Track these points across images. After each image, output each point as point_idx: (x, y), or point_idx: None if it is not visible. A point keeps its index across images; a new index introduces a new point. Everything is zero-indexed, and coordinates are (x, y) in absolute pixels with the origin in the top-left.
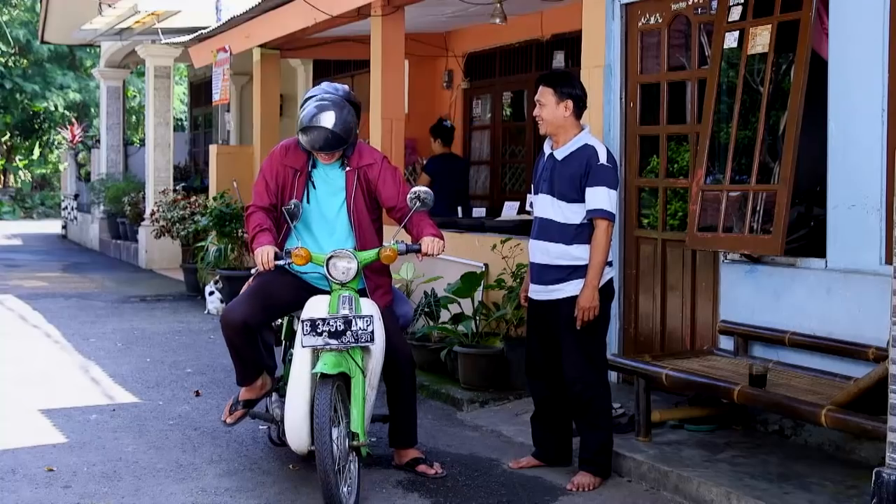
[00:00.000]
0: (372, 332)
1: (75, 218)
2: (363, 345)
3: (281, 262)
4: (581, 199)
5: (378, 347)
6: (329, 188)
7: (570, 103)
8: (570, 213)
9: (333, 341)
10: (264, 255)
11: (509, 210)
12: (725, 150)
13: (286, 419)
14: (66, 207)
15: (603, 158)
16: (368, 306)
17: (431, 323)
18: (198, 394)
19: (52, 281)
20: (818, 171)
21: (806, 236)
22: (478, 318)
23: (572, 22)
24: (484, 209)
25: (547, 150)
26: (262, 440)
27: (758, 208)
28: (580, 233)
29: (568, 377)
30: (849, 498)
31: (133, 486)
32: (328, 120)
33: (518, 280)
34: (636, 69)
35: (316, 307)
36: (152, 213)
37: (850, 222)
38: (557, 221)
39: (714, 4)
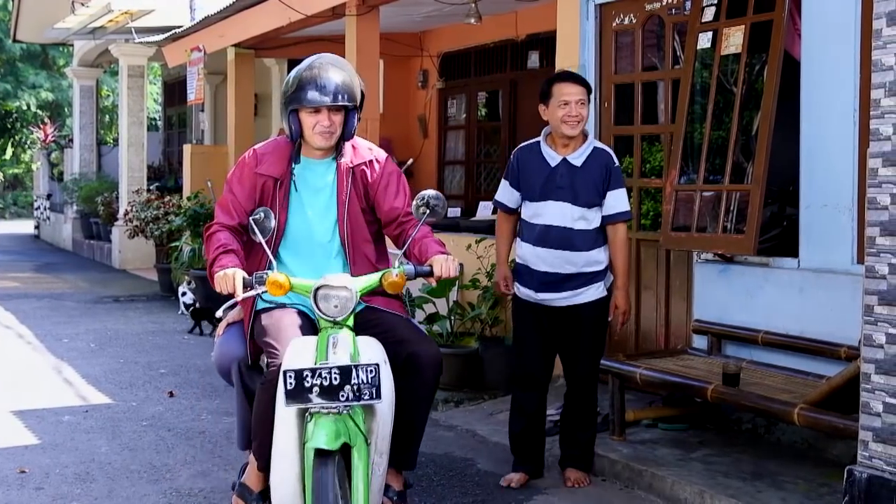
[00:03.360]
0: (377, 385)
1: (48, 218)
2: (366, 403)
3: (251, 293)
4: (599, 202)
5: (386, 404)
6: (316, 192)
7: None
8: (592, 218)
9: (327, 401)
10: (227, 280)
11: (484, 210)
12: (699, 150)
13: (273, 497)
14: (39, 207)
15: (615, 160)
16: (370, 349)
17: None
18: (171, 394)
19: (25, 281)
20: (791, 171)
21: (779, 236)
22: (452, 318)
23: (547, 22)
24: (459, 209)
25: (553, 155)
26: (236, 441)
27: (731, 208)
28: (599, 236)
29: (582, 378)
30: (821, 496)
31: (106, 487)
32: (335, 66)
33: (492, 280)
34: (610, 69)
35: (299, 353)
36: (126, 213)
37: (822, 222)
38: (577, 229)
39: (688, 5)
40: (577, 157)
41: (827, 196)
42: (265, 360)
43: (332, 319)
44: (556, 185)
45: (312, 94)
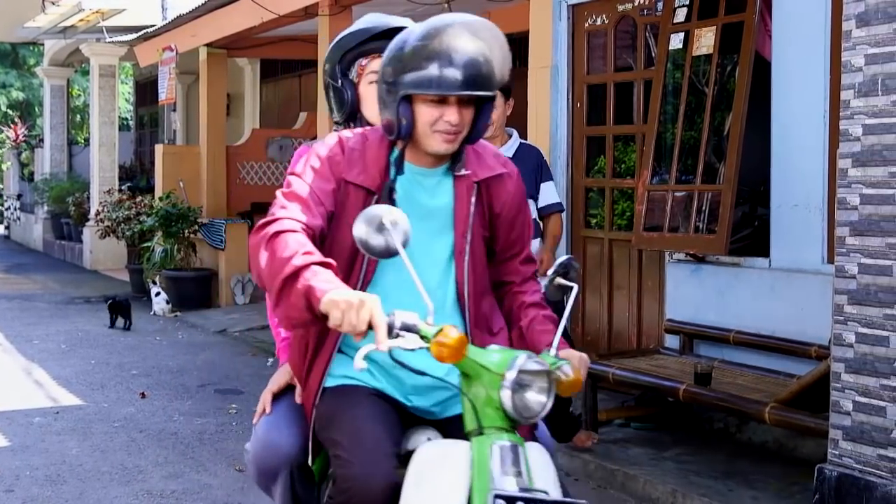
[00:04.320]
0: None
1: (18, 218)
2: None
3: (400, 343)
4: (534, 197)
5: None
6: (424, 216)
7: (510, 101)
8: (533, 211)
9: None
10: (357, 312)
11: None
12: (671, 151)
13: None
14: (9, 208)
15: (539, 151)
16: (544, 467)
17: None
18: (143, 395)
19: None
20: (762, 171)
21: (750, 236)
22: None
23: (520, 22)
24: None
25: None
26: (209, 441)
27: (703, 208)
28: (536, 227)
29: None
30: (791, 494)
31: (77, 489)
32: (476, 36)
33: None
34: (583, 70)
35: (447, 468)
36: (97, 214)
37: (792, 222)
38: None
39: (660, 6)
40: (507, 150)
41: (797, 196)
42: (334, 467)
43: (516, 420)
44: None
45: (443, 74)
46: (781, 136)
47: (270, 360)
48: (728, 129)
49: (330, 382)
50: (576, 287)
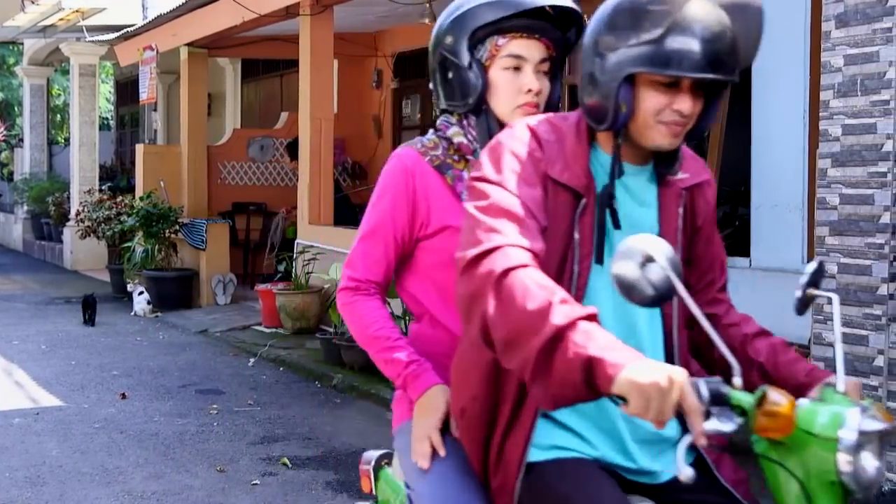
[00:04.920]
0: None
1: None
2: None
3: (727, 429)
4: None
5: None
6: (633, 225)
7: None
8: None
9: None
10: (673, 400)
11: None
12: None
13: None
14: None
15: None
16: None
17: None
18: (124, 396)
19: None
20: (743, 171)
21: (731, 236)
22: (406, 318)
23: None
24: None
25: None
26: (190, 442)
27: None
28: None
29: None
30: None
31: (57, 490)
32: (725, 9)
33: None
34: (564, 70)
35: None
36: (77, 214)
37: (773, 221)
38: None
39: None
40: None
41: (777, 196)
42: None
43: (854, 493)
44: None
45: (686, 49)
46: (761, 136)
47: (251, 360)
48: (709, 130)
49: (537, 456)
50: (835, 297)
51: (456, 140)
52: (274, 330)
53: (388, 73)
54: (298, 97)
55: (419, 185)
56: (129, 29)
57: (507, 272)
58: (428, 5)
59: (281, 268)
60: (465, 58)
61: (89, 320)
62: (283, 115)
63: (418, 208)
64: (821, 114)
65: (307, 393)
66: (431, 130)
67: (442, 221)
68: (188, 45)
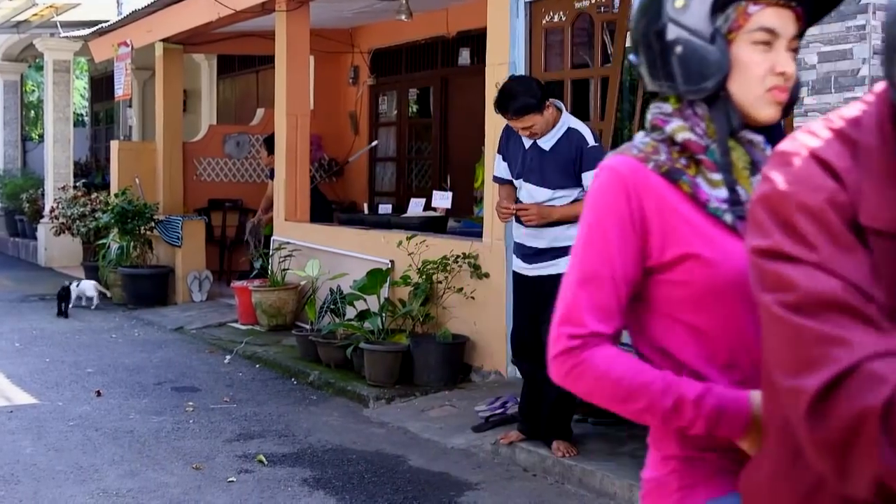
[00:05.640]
0: None
1: None
2: None
3: None
4: (573, 184)
5: None
6: None
7: (547, 105)
8: (563, 197)
9: None
10: None
11: (415, 207)
12: None
13: None
14: None
15: (591, 140)
16: None
17: (337, 320)
18: (99, 394)
19: None
20: None
21: None
22: (384, 314)
23: (478, 19)
24: (390, 206)
25: (526, 140)
26: (166, 440)
27: None
28: None
29: (546, 351)
30: None
31: (31, 489)
32: None
33: (423, 276)
34: (540, 67)
35: None
36: (52, 210)
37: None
38: (547, 205)
39: (616, 3)
40: (547, 141)
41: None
42: None
43: None
44: (527, 167)
45: None
46: None
47: (228, 357)
48: None
49: None
50: None
51: (680, 137)
52: (250, 327)
53: (364, 69)
54: (274, 93)
55: (646, 203)
56: (103, 25)
57: (890, 404)
58: (404, 1)
59: (257, 264)
60: (707, 27)
61: (63, 312)
62: (260, 112)
63: (650, 232)
64: (795, 111)
65: (283, 390)
66: (641, 132)
67: (684, 246)
68: (163, 40)
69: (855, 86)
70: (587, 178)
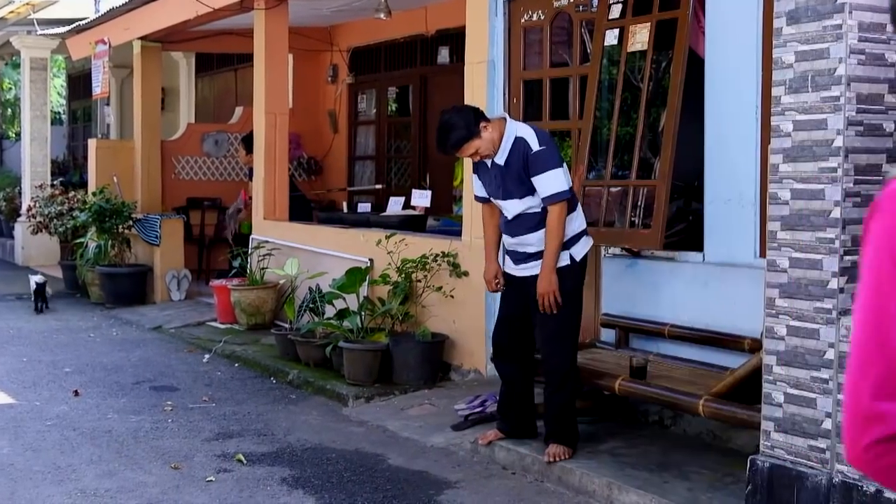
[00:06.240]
0: None
1: None
2: None
3: None
4: (533, 191)
5: None
6: None
7: (484, 126)
8: (536, 203)
9: None
10: None
11: (394, 205)
12: (607, 146)
13: None
14: None
15: (535, 145)
16: None
17: (316, 319)
18: (77, 393)
19: None
20: (697, 166)
21: (685, 231)
22: (363, 313)
23: (456, 17)
24: (369, 205)
25: (486, 160)
26: (144, 439)
27: (638, 203)
28: (544, 216)
29: (542, 352)
30: (725, 485)
31: (8, 489)
32: None
33: (402, 275)
34: (519, 65)
35: None
36: (29, 209)
37: (726, 217)
38: (528, 213)
39: (595, 2)
40: (501, 156)
41: (730, 191)
42: None
43: None
44: (495, 185)
45: None
46: (715, 132)
47: (206, 356)
48: (663, 124)
49: None
50: None
51: None
52: (229, 326)
53: (343, 67)
54: (253, 92)
55: None
56: (80, 22)
57: None
58: (383, 0)
59: (236, 263)
60: None
61: (40, 309)
62: (238, 110)
63: None
64: (772, 109)
65: (262, 389)
66: None
67: None
68: (141, 38)
69: (832, 84)
70: (538, 182)
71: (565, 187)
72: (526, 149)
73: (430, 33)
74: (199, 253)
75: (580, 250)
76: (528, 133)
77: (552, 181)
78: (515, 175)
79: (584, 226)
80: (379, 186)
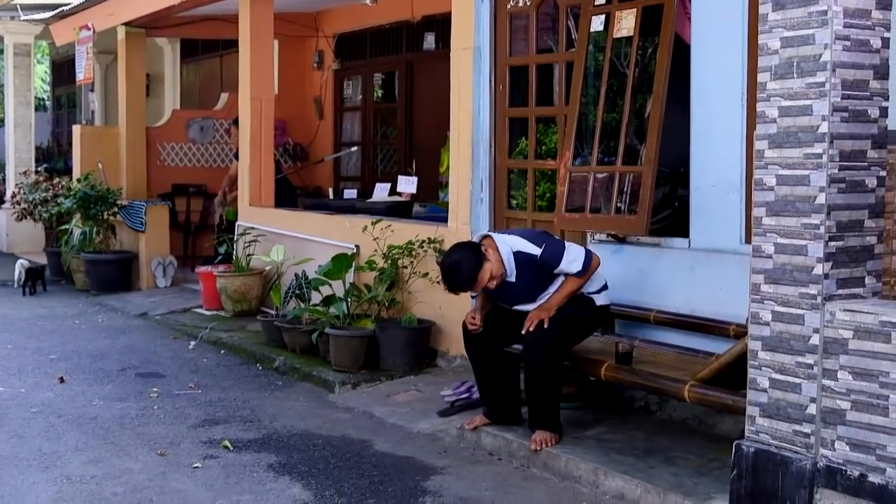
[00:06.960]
0: None
1: None
2: None
3: None
4: (549, 284)
5: None
6: None
7: (485, 249)
8: (546, 294)
9: None
10: None
11: (380, 192)
12: (593, 133)
13: None
14: None
15: (534, 249)
16: None
17: (303, 305)
18: (62, 380)
19: None
20: (683, 152)
21: (670, 216)
22: (349, 299)
23: (442, 3)
24: (355, 191)
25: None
26: (130, 426)
27: (624, 189)
28: (555, 280)
29: (527, 342)
30: (711, 471)
31: None
32: None
33: (389, 261)
34: (505, 51)
35: None
36: (13, 196)
37: (711, 203)
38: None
39: None
40: (512, 275)
41: (716, 177)
42: None
43: None
44: (508, 297)
45: None
46: (701, 117)
47: (192, 343)
48: (648, 111)
49: None
50: None
51: None
52: (215, 312)
53: (329, 53)
54: (238, 78)
55: None
56: (64, 8)
57: None
58: None
59: (222, 250)
60: None
61: (29, 292)
62: (224, 96)
63: None
64: (758, 95)
65: (248, 375)
66: None
67: None
68: (126, 24)
69: (817, 70)
70: (564, 269)
71: (582, 251)
72: (529, 259)
73: (416, 19)
74: (185, 239)
75: (599, 300)
76: (519, 244)
77: (573, 257)
78: (530, 285)
79: (604, 282)
80: (354, 148)
